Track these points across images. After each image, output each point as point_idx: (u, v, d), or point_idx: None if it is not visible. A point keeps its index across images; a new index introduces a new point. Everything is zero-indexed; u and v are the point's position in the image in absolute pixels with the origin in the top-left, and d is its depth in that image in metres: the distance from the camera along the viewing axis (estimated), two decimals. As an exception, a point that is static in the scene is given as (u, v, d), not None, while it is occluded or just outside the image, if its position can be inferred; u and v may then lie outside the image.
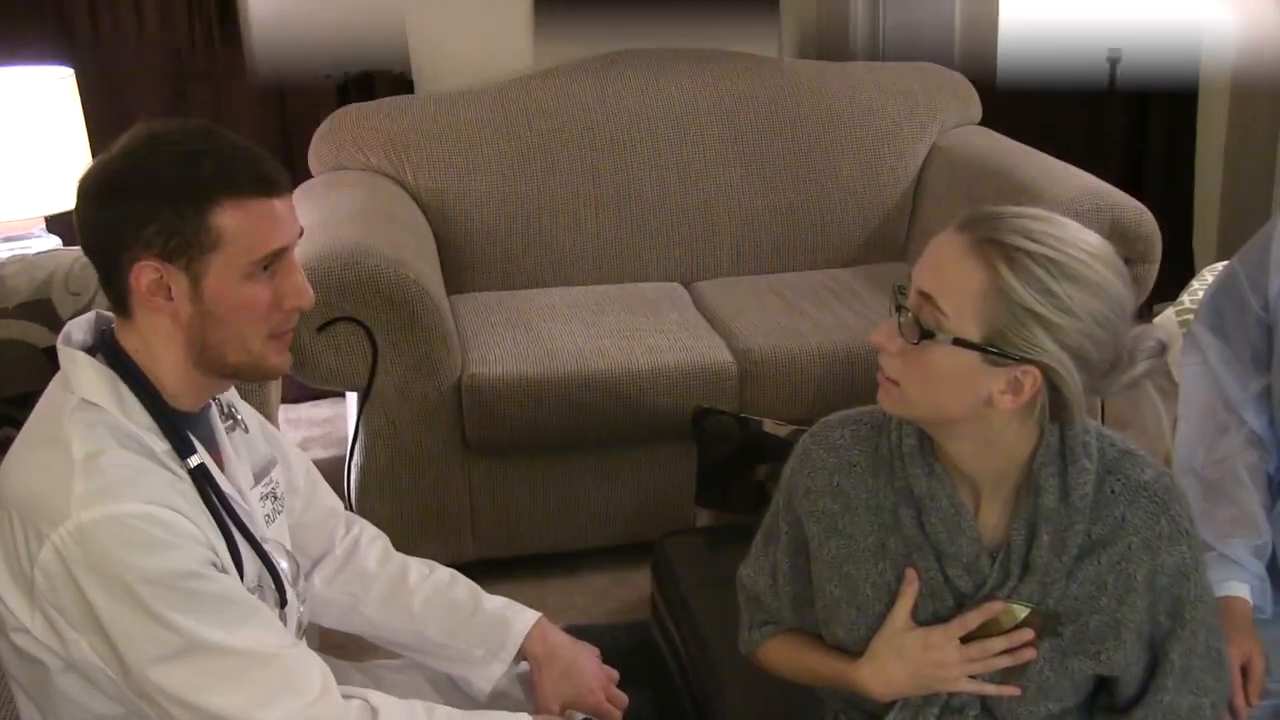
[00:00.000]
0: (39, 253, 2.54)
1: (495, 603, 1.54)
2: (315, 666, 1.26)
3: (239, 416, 1.40)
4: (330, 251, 2.37)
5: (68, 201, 2.57)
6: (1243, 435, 1.62)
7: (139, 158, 1.20)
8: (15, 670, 1.25)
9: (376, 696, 1.30)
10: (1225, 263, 1.77)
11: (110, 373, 1.23)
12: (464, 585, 1.55)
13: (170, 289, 1.21)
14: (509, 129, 2.96)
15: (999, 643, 1.28)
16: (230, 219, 1.19)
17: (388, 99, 3.02)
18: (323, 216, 2.57)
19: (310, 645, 1.46)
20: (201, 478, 1.25)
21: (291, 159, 3.13)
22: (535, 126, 2.97)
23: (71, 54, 2.88)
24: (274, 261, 1.23)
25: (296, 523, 1.49)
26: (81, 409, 1.21)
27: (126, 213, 1.19)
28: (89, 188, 1.21)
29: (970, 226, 1.22)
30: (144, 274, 1.20)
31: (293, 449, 1.53)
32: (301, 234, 1.28)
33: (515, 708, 1.51)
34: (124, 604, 1.15)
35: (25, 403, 1.89)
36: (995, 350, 1.19)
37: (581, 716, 1.53)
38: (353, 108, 2.97)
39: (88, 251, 1.23)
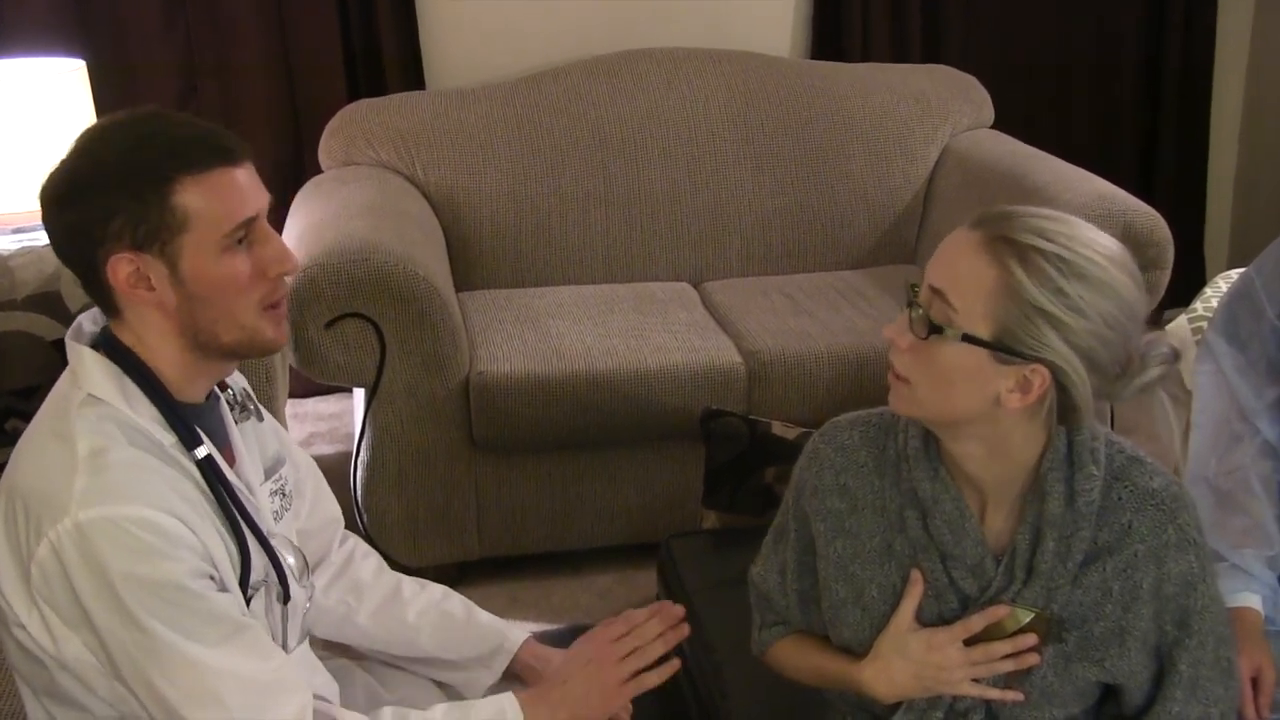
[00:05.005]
0: (48, 245, 2.55)
1: (488, 616, 1.54)
2: (294, 694, 1.24)
3: (252, 405, 1.40)
4: (339, 247, 2.37)
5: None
6: (1257, 445, 1.60)
7: (91, 154, 1.20)
8: (20, 665, 1.25)
9: (351, 718, 1.30)
10: (1241, 270, 1.76)
11: (115, 367, 1.23)
12: (457, 599, 1.55)
13: (150, 278, 1.20)
14: (519, 126, 2.95)
15: (1003, 646, 1.27)
16: (193, 196, 1.18)
17: (398, 95, 3.02)
18: (332, 211, 2.57)
19: (314, 647, 1.46)
20: (209, 469, 1.24)
21: (302, 154, 3.14)
22: (546, 124, 2.96)
23: (84, 46, 2.88)
24: (247, 232, 1.22)
25: (300, 528, 1.48)
26: (89, 404, 1.21)
27: (90, 210, 1.18)
28: (49, 194, 1.21)
29: (983, 224, 1.22)
30: (120, 267, 1.19)
31: (300, 453, 1.53)
32: (271, 202, 1.26)
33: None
34: (111, 606, 1.15)
35: (32, 395, 1.90)
36: (1004, 348, 1.19)
37: None
38: (363, 103, 2.97)
39: (62, 258, 1.23)
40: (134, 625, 1.15)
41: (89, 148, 1.21)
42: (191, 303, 1.21)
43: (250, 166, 1.23)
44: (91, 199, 1.18)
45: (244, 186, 1.22)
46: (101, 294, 1.23)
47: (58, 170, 1.21)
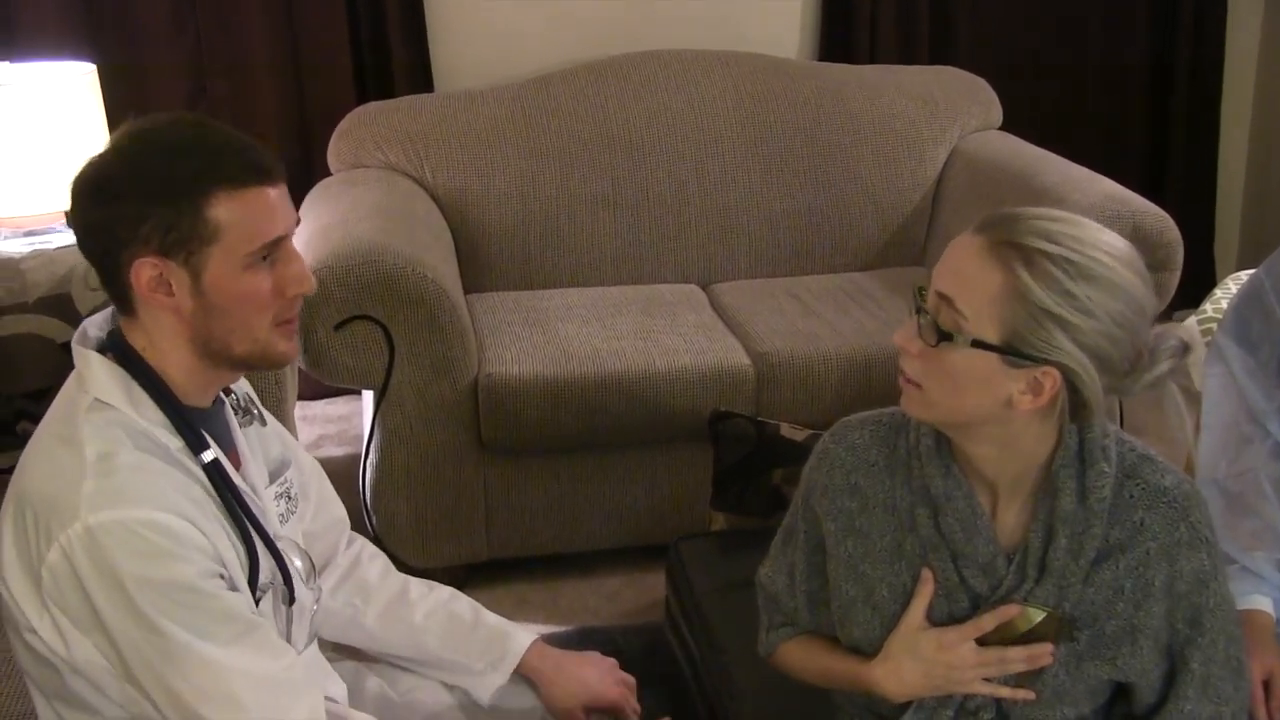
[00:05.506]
0: (59, 248, 2.56)
1: (495, 618, 1.54)
2: (306, 693, 1.25)
3: (255, 410, 1.40)
4: (348, 249, 2.37)
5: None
6: (1267, 447, 1.60)
7: (130, 155, 1.20)
8: (31, 669, 1.26)
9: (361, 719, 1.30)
10: (1251, 271, 1.75)
11: (122, 371, 1.23)
12: (464, 601, 1.56)
13: (171, 284, 1.20)
14: (528, 128, 2.95)
15: (1017, 653, 1.27)
16: (226, 210, 1.19)
17: (407, 97, 3.03)
18: (341, 214, 2.57)
19: (323, 649, 1.46)
20: (215, 473, 1.25)
21: (310, 156, 3.14)
22: (554, 126, 2.97)
23: (94, 49, 2.90)
24: (273, 250, 1.23)
25: (305, 530, 1.49)
26: (95, 408, 1.21)
27: (121, 211, 1.18)
28: (82, 189, 1.21)
29: (989, 228, 1.22)
30: (143, 271, 1.19)
31: (305, 455, 1.53)
32: (299, 223, 1.27)
33: (522, 707, 1.51)
34: (123, 608, 1.15)
35: (43, 397, 1.91)
36: (1014, 351, 1.19)
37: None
38: (372, 106, 2.97)
39: (86, 253, 1.23)
40: (147, 627, 1.15)
41: (128, 147, 1.21)
42: (208, 312, 1.22)
43: (284, 186, 1.24)
44: (125, 200, 1.18)
45: (276, 206, 1.23)
46: (119, 293, 1.23)
47: (93, 165, 1.21)
